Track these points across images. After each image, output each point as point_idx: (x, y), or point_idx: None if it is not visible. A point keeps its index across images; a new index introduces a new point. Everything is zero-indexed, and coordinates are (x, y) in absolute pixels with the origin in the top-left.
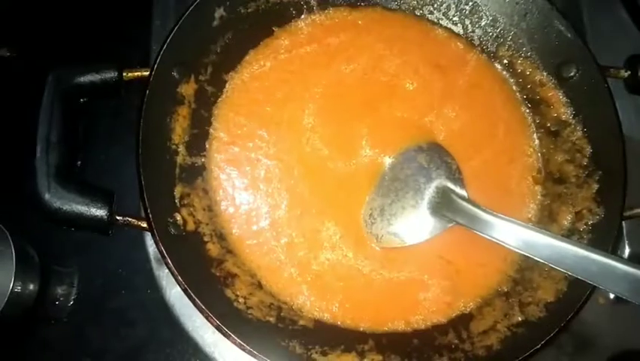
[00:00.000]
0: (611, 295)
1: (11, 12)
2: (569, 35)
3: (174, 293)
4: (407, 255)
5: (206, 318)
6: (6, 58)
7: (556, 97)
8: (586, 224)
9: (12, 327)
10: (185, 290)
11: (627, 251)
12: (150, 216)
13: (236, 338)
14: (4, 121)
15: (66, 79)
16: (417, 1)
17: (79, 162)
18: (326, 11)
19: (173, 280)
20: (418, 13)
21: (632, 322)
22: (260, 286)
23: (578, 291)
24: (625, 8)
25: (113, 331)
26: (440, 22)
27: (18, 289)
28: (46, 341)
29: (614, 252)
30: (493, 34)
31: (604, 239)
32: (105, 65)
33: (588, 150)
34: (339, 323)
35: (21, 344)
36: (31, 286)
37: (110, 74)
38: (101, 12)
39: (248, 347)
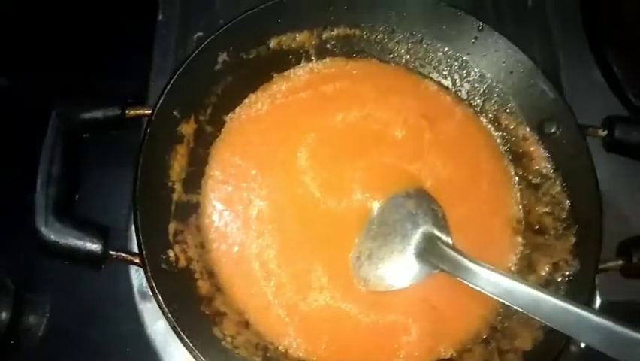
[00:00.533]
0: (582, 345)
1: (8, 41)
2: (552, 95)
3: (156, 329)
4: (393, 298)
5: (194, 356)
6: (3, 87)
7: (538, 152)
8: (563, 275)
9: None
10: (174, 328)
11: (598, 302)
12: (144, 252)
13: None
14: None
15: (70, 115)
16: (410, 55)
17: (77, 197)
18: (323, 60)
19: (156, 316)
20: (410, 66)
21: None
22: (247, 325)
23: (554, 340)
24: (600, 70)
25: None
26: (431, 75)
27: None
28: None
29: (588, 303)
30: (480, 90)
31: (580, 290)
32: (109, 103)
33: (567, 203)
34: None
35: None
36: (4, 315)
37: (114, 112)
38: (101, 47)
39: None
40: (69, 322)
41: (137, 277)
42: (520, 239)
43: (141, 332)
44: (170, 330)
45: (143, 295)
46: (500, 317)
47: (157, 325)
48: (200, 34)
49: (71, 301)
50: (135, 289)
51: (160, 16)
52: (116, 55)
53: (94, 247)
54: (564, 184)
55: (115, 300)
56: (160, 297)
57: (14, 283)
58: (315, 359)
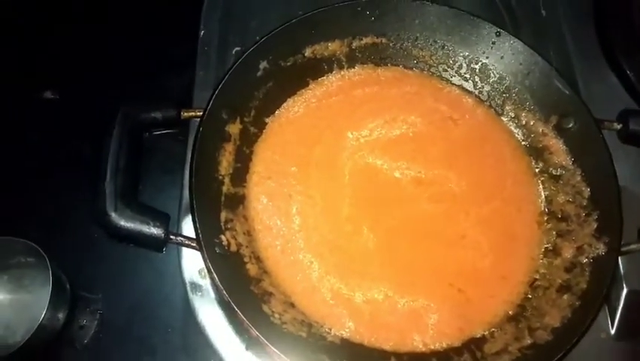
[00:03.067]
0: (612, 332)
1: (54, 55)
2: (567, 92)
3: (206, 319)
4: (423, 282)
5: (248, 329)
6: (50, 100)
7: (557, 145)
8: (587, 257)
9: (39, 351)
10: (228, 303)
11: (625, 290)
12: (200, 236)
13: (272, 347)
14: (51, 158)
15: (133, 115)
16: (433, 61)
17: (140, 186)
18: (354, 68)
19: (207, 304)
20: (433, 71)
21: (631, 356)
22: (292, 305)
23: (581, 317)
24: (615, 74)
25: (135, 357)
26: (453, 79)
27: (50, 314)
28: None
29: (611, 285)
30: (500, 90)
31: (604, 270)
32: (166, 104)
33: (587, 192)
34: (365, 341)
35: None
36: (61, 314)
37: (170, 113)
38: (153, 62)
39: (283, 356)
40: (121, 318)
41: (188, 270)
42: (543, 230)
43: (192, 322)
44: (221, 318)
45: (194, 287)
46: (528, 299)
47: (207, 314)
48: (238, 48)
49: (122, 298)
50: (187, 282)
51: (202, 33)
52: (165, 67)
53: (157, 230)
54: (583, 174)
55: (164, 294)
56: (215, 276)
57: (69, 282)
58: (357, 337)
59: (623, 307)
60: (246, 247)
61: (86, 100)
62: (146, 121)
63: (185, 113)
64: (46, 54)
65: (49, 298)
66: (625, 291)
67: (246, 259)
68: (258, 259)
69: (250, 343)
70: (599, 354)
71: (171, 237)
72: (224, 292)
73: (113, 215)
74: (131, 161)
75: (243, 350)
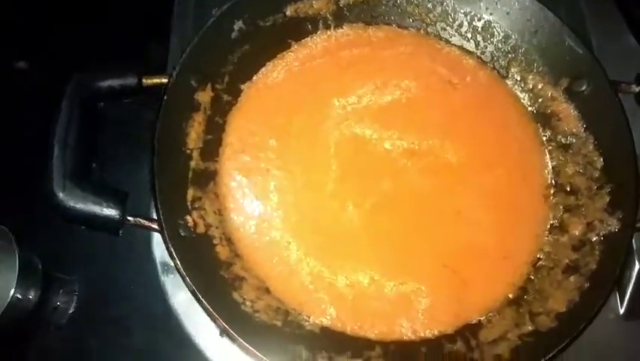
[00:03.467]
0: (621, 311)
1: (27, 25)
2: (580, 51)
3: (179, 300)
4: (414, 264)
5: (214, 321)
6: (24, 71)
7: (568, 111)
8: (597, 235)
9: (11, 333)
10: (192, 292)
11: (637, 267)
12: (162, 217)
13: (242, 340)
14: (20, 131)
15: (87, 83)
16: (430, 18)
17: (94, 164)
18: (342, 28)
19: (178, 287)
20: (430, 30)
21: None
22: (267, 291)
23: (590, 301)
24: (632, 34)
25: (114, 339)
26: (452, 39)
27: (19, 295)
28: (46, 347)
29: (624, 265)
30: (504, 51)
31: (617, 249)
32: (126, 71)
33: (599, 162)
34: (347, 330)
35: (20, 349)
36: (32, 293)
37: (130, 80)
38: (119, 22)
39: (253, 350)
40: (96, 298)
41: (159, 250)
42: (550, 203)
43: (165, 304)
44: (192, 299)
45: (165, 268)
46: (530, 280)
47: (179, 296)
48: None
49: (98, 279)
50: (157, 263)
51: None
52: (136, 27)
53: (111, 212)
54: (596, 142)
55: (139, 275)
56: (178, 261)
57: (43, 263)
58: (338, 325)
59: (634, 286)
60: (216, 227)
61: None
62: (102, 90)
63: (148, 80)
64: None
65: (16, 279)
66: (637, 268)
67: (216, 241)
68: (230, 241)
69: None
70: (607, 336)
71: (128, 218)
72: (187, 279)
73: (61, 195)
74: (83, 135)
75: (217, 336)
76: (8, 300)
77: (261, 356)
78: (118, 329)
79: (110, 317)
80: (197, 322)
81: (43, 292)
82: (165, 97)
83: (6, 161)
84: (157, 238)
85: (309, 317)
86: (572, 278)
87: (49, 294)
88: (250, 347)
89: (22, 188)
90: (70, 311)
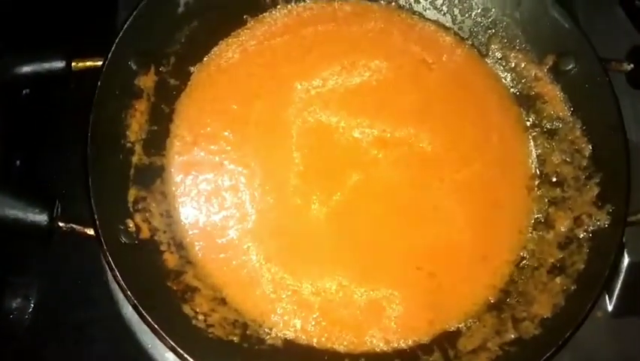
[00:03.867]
0: (609, 308)
1: None
2: (566, 25)
3: (131, 309)
4: (384, 267)
5: (159, 339)
6: None
7: (553, 92)
8: (585, 231)
9: None
10: (134, 306)
11: (626, 260)
12: (97, 222)
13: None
14: None
15: (5, 68)
16: None
17: (18, 162)
18: (304, 2)
19: None
20: (402, 2)
21: (631, 335)
22: (223, 302)
23: (577, 305)
24: (622, 8)
25: (73, 348)
26: (426, 12)
27: None
28: (1, 358)
29: (615, 262)
30: (484, 25)
31: (606, 246)
32: (51, 54)
33: (588, 149)
34: (314, 342)
35: None
36: None
37: (57, 64)
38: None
39: None
40: (55, 304)
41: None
42: (534, 196)
43: (117, 312)
44: None
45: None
46: (513, 282)
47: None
48: None
49: (55, 282)
50: (107, 270)
51: None
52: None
53: (38, 217)
54: (584, 127)
55: (91, 280)
56: (117, 272)
57: None
58: (303, 337)
59: (623, 281)
60: (164, 232)
61: None
62: (25, 75)
63: (79, 64)
64: None
65: None
66: (626, 262)
67: (163, 247)
68: (180, 247)
69: None
70: (594, 335)
71: (59, 224)
72: (128, 292)
73: None
74: (3, 128)
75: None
76: None
77: None
78: (80, 337)
79: (70, 325)
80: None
81: None
82: (99, 82)
83: None
84: None
85: (270, 330)
86: (557, 280)
87: (3, 300)
88: None
89: None
90: (26, 318)
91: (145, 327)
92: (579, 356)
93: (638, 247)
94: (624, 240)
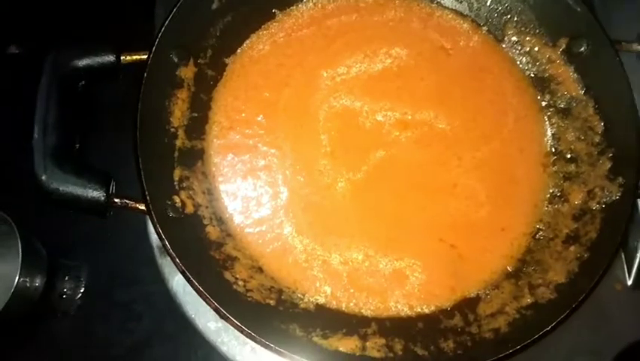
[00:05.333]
0: (629, 282)
1: (16, 9)
2: (578, 9)
3: (177, 282)
4: (408, 238)
5: (204, 300)
6: (16, 55)
7: (567, 73)
8: (598, 203)
9: (19, 320)
10: (183, 272)
11: None
12: (148, 198)
13: (234, 320)
14: (20, 118)
15: (63, 62)
16: None
17: (77, 145)
18: None
19: (176, 269)
20: None
21: None
22: (260, 270)
23: (590, 271)
24: None
25: (120, 324)
26: (444, 1)
27: (24, 283)
28: (53, 334)
29: (626, 234)
30: (499, 12)
31: (618, 217)
32: (102, 48)
33: (600, 126)
34: (343, 306)
35: (28, 337)
36: (38, 280)
37: (108, 58)
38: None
39: (246, 330)
40: (103, 284)
41: (156, 235)
42: (549, 172)
43: (163, 287)
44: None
45: (161, 250)
46: (529, 252)
47: (177, 278)
48: None
49: (103, 263)
50: (154, 245)
51: None
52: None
53: (96, 193)
54: (596, 106)
55: (138, 259)
56: (167, 242)
57: (49, 250)
58: (333, 302)
59: None
60: (206, 207)
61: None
62: (80, 68)
63: (127, 57)
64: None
65: (19, 266)
66: None
67: (206, 221)
68: (220, 221)
69: None
70: (614, 307)
71: (115, 200)
72: (177, 260)
73: (43, 178)
74: (64, 115)
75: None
76: (13, 287)
77: (254, 335)
78: (126, 315)
79: (117, 303)
80: (196, 303)
81: (49, 279)
82: (145, 74)
83: (6, 149)
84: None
85: (303, 295)
86: (572, 248)
87: (56, 281)
88: (243, 327)
89: (22, 175)
90: (77, 297)
91: (188, 299)
92: (598, 328)
93: None
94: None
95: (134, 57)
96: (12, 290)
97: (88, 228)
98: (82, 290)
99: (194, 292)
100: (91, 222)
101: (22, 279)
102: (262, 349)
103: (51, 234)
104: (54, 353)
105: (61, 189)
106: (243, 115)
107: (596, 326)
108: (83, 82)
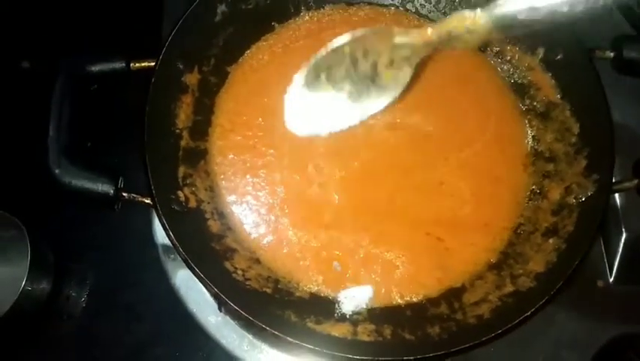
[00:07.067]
0: (610, 278)
1: (28, 24)
2: None
3: (180, 278)
4: (397, 232)
5: (205, 286)
6: (28, 69)
7: (545, 80)
8: (575, 198)
9: (25, 323)
10: (185, 260)
11: (624, 236)
12: (154, 192)
13: (233, 304)
14: (29, 126)
15: (77, 67)
16: None
17: (89, 144)
18: (323, 8)
19: (178, 266)
20: (409, 7)
21: (633, 304)
22: (258, 261)
23: (567, 262)
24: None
25: (124, 326)
26: (431, 14)
27: (31, 286)
28: (59, 336)
29: (603, 227)
30: None
31: (593, 211)
32: (114, 55)
33: (576, 128)
34: (335, 295)
35: (34, 339)
36: (45, 284)
37: (119, 64)
38: (113, 8)
39: (244, 313)
40: (107, 286)
41: (161, 233)
42: (529, 172)
43: (166, 288)
44: (191, 277)
45: (166, 250)
46: (511, 245)
47: (179, 275)
48: None
49: (108, 266)
50: (159, 246)
51: None
52: (129, 12)
53: (106, 187)
54: (572, 109)
55: (143, 262)
56: (171, 233)
57: (56, 254)
58: (328, 290)
59: (622, 254)
60: (208, 203)
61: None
62: (93, 73)
63: (137, 64)
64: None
65: (27, 269)
66: (624, 236)
67: (208, 216)
68: (221, 215)
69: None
70: (596, 303)
71: (123, 194)
72: (180, 248)
73: (57, 172)
74: (77, 115)
75: (216, 311)
76: (20, 291)
77: (252, 320)
78: (129, 316)
79: (121, 304)
80: (199, 301)
81: (56, 282)
82: (153, 79)
83: (17, 154)
84: (157, 222)
85: (298, 285)
86: (550, 241)
87: (62, 284)
88: (241, 311)
89: (32, 180)
90: (82, 300)
91: (190, 294)
92: (581, 323)
93: (634, 223)
94: (622, 215)
95: (143, 64)
96: (19, 293)
97: (94, 232)
98: (87, 293)
99: (196, 289)
100: (97, 226)
101: (29, 282)
102: (260, 342)
103: (59, 238)
104: (60, 354)
105: (73, 182)
106: (244, 118)
107: (580, 321)
108: (96, 86)
